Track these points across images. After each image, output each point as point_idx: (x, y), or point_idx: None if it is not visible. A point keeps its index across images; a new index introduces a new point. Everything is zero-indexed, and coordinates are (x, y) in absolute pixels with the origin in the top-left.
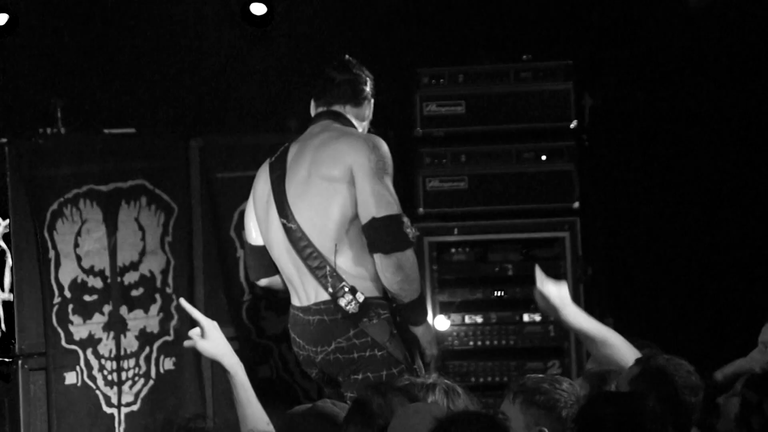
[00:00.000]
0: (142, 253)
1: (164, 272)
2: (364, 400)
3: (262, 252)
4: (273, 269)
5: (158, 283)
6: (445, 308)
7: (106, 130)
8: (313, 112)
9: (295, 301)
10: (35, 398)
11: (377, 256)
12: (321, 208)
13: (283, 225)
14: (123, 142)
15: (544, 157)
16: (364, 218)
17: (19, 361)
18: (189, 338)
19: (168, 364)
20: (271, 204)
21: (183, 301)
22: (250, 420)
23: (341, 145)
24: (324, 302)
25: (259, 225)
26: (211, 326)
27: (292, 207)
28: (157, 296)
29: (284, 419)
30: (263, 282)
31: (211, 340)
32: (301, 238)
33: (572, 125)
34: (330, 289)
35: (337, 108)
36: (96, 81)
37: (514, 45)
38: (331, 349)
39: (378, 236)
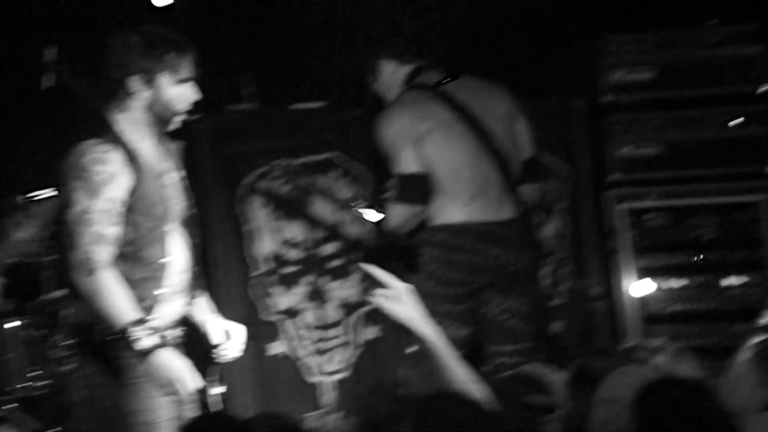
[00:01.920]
0: (338, 224)
1: None
2: (586, 365)
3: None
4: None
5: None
6: (647, 273)
7: (296, 105)
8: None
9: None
10: (241, 369)
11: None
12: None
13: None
14: (313, 116)
15: (735, 122)
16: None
17: None
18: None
19: (371, 332)
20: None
21: (366, 265)
22: (457, 387)
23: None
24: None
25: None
26: (406, 290)
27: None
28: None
29: (491, 384)
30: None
31: (405, 304)
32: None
33: (763, 89)
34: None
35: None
36: (286, 56)
37: (701, 9)
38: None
39: None
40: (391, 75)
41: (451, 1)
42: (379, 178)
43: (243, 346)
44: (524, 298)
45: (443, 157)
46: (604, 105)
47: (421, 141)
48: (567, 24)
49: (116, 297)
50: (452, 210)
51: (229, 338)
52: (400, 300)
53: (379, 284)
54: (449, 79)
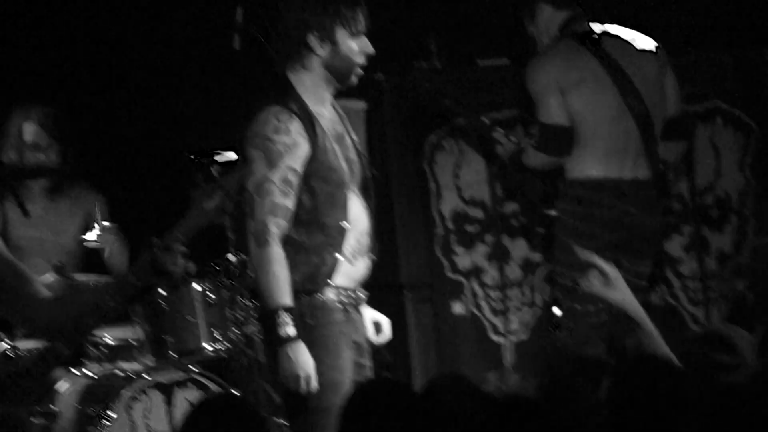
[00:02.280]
0: (520, 181)
1: None
2: None
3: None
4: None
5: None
6: None
7: (480, 62)
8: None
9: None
10: (423, 328)
11: None
12: None
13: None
14: (497, 73)
15: None
16: None
17: (406, 292)
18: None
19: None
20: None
21: (584, 252)
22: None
23: None
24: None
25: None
26: (617, 275)
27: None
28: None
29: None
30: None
31: (617, 288)
32: None
33: None
34: None
35: None
36: (468, 13)
37: None
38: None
39: None
40: (547, 20)
41: None
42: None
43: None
44: (649, 261)
45: (587, 110)
46: None
47: (569, 91)
48: None
49: (278, 276)
50: (591, 164)
51: (380, 330)
52: (613, 285)
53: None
54: (601, 32)
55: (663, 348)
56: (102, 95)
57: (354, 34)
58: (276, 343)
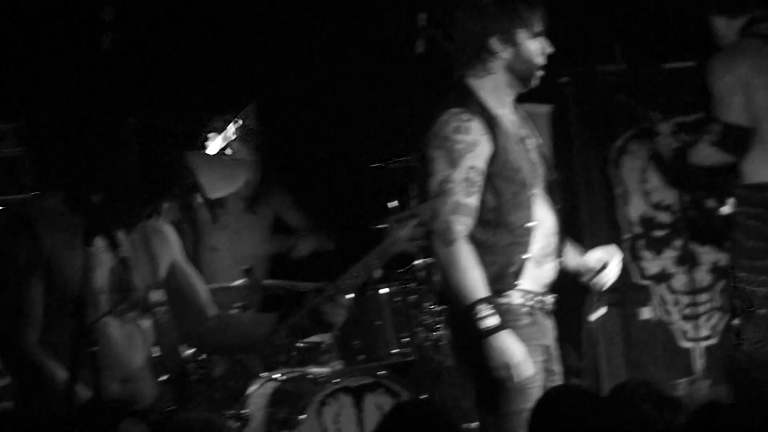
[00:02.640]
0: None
1: None
2: None
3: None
4: None
5: None
6: None
7: (665, 65)
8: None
9: None
10: (612, 334)
11: None
12: None
13: None
14: (683, 76)
15: None
16: None
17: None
18: None
19: None
20: None
21: None
22: None
23: None
24: None
25: None
26: None
27: None
28: None
29: None
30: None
31: None
32: None
33: None
34: None
35: None
36: (653, 15)
37: None
38: None
39: None
40: (724, 29)
41: None
42: None
43: (620, 267)
44: None
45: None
46: None
47: (754, 93)
48: None
49: (469, 271)
50: None
51: (606, 265)
52: None
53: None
54: None
55: None
56: (287, 107)
57: (534, 35)
58: (481, 336)
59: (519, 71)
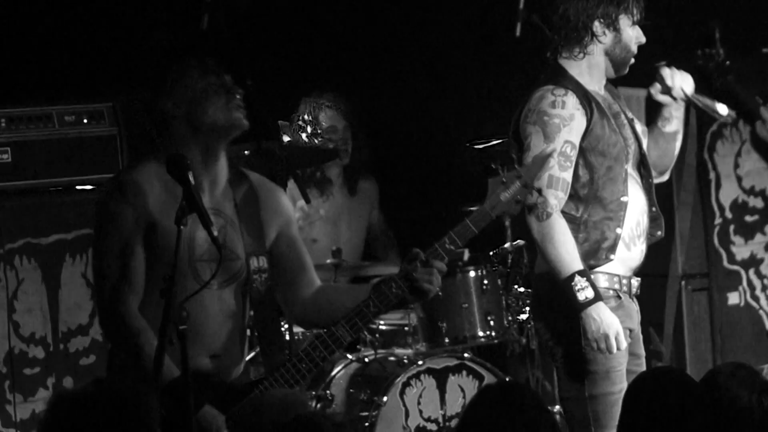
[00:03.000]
0: None
1: None
2: None
3: None
4: None
5: None
6: None
7: (764, 50)
8: None
9: None
10: (699, 319)
11: None
12: None
13: None
14: None
15: None
16: None
17: (682, 282)
18: None
19: None
20: None
21: None
22: None
23: None
24: None
25: None
26: None
27: None
28: None
29: None
30: None
31: None
32: None
33: None
34: None
35: None
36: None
37: None
38: None
39: None
40: None
41: None
42: None
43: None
44: None
45: None
46: None
47: None
48: None
49: (565, 245)
50: None
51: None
52: None
53: None
54: None
55: None
56: (382, 87)
57: (633, 23)
58: (578, 308)
59: (616, 56)
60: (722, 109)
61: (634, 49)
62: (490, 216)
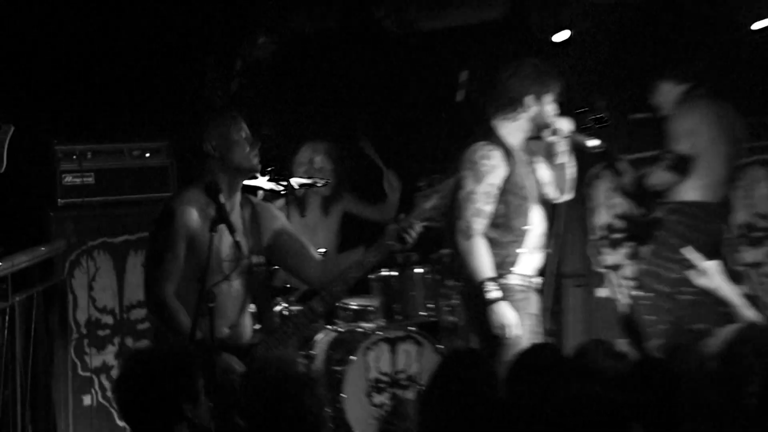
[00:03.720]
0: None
1: None
2: None
3: None
4: None
5: None
6: None
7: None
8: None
9: None
10: (574, 307)
11: None
12: None
13: None
14: (643, 124)
15: None
16: None
17: (566, 280)
18: None
19: None
20: None
21: (687, 250)
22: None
23: None
24: None
25: None
26: (714, 267)
27: None
28: None
29: None
30: None
31: (711, 277)
32: None
33: None
34: None
35: None
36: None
37: None
38: None
39: None
40: (667, 94)
41: None
42: None
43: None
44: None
45: (702, 148)
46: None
47: (696, 134)
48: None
49: (482, 258)
50: (698, 190)
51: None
52: (708, 276)
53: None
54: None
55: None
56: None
57: (552, 101)
58: (486, 304)
59: (536, 123)
60: (593, 142)
61: (550, 120)
62: (419, 219)
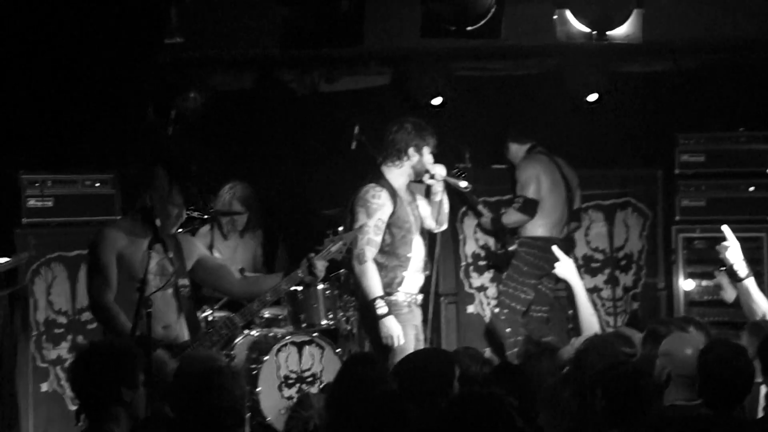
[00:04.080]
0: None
1: None
2: (654, 329)
3: None
4: None
5: None
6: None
7: (493, 166)
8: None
9: None
10: (448, 321)
11: None
12: None
13: None
14: (502, 173)
15: None
16: None
17: (441, 298)
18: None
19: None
20: None
21: (556, 249)
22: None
23: None
24: None
25: None
26: (567, 262)
27: None
28: None
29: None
30: None
31: (562, 266)
32: None
33: None
34: None
35: None
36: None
37: None
38: None
39: None
40: (516, 151)
41: None
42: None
43: None
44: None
45: (545, 193)
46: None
47: (540, 182)
48: None
49: (373, 280)
50: (544, 227)
51: None
52: (565, 269)
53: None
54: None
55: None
56: (270, 177)
57: (430, 152)
58: (377, 318)
59: (417, 170)
60: (463, 183)
61: (428, 168)
62: (327, 258)
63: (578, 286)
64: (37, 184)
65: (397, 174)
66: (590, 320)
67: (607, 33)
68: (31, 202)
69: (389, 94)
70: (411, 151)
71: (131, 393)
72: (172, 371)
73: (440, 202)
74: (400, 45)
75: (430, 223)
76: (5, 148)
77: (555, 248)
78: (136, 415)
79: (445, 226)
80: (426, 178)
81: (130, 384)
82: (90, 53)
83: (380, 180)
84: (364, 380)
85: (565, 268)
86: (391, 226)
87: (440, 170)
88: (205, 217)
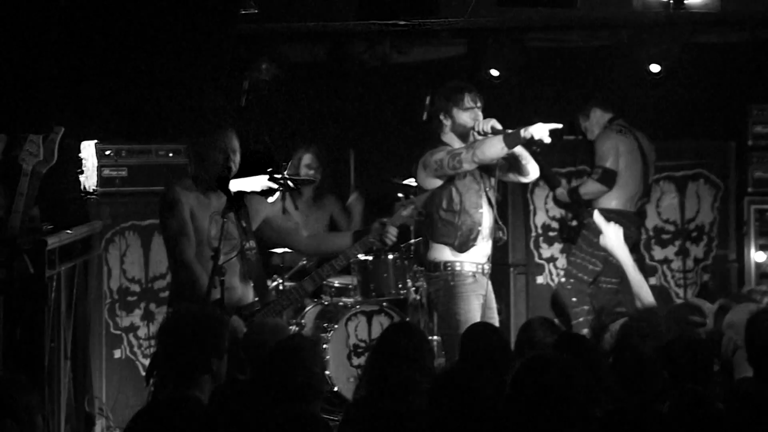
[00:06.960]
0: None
1: None
2: (724, 303)
3: None
4: None
5: None
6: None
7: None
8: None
9: None
10: (517, 291)
11: None
12: None
13: None
14: (575, 144)
15: None
16: None
17: (511, 269)
18: None
19: None
20: None
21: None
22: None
23: None
24: None
25: None
26: (615, 229)
27: None
28: None
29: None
30: None
31: (608, 237)
32: None
33: None
34: None
35: None
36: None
37: None
38: None
39: None
40: (598, 117)
41: None
42: None
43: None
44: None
45: (623, 167)
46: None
47: (618, 154)
48: None
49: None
50: (619, 200)
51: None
52: (609, 238)
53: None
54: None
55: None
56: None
57: (466, 109)
58: (517, 133)
59: (459, 132)
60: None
61: (471, 124)
62: (397, 223)
63: (624, 257)
64: (110, 153)
65: (449, 138)
66: (638, 292)
67: (685, 2)
68: (106, 172)
69: (461, 65)
70: (442, 118)
71: (218, 362)
72: (243, 338)
73: (513, 153)
74: (473, 16)
75: (515, 177)
76: (80, 119)
77: (597, 217)
78: (219, 382)
79: (532, 175)
80: (476, 137)
81: (218, 353)
82: (166, 23)
83: (440, 143)
84: (400, 349)
85: (610, 239)
86: (459, 186)
87: (484, 125)
88: (280, 183)
